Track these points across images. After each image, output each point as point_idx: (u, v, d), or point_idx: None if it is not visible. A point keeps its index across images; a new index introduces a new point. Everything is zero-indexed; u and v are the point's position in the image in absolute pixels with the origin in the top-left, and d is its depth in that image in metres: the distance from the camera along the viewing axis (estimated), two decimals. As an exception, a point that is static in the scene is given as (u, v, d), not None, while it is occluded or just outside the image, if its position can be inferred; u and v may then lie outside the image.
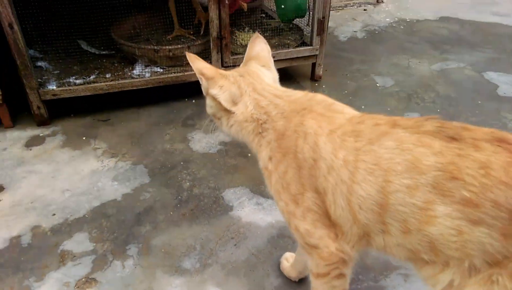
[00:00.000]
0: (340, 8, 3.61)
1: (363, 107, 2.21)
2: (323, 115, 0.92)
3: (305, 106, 0.95)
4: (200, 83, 1.05)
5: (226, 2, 1.96)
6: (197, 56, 1.05)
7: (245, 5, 2.32)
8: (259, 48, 1.11)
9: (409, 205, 0.76)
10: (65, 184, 1.68)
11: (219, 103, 1.01)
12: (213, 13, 2.00)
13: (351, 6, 3.66)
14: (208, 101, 1.05)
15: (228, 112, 1.02)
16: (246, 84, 1.01)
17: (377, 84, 2.45)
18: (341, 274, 0.95)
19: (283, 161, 0.93)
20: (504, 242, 0.70)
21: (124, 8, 2.31)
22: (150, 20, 2.53)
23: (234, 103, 1.01)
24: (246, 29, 2.57)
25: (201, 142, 1.94)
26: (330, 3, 2.20)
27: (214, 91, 1.01)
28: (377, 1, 3.72)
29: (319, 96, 0.99)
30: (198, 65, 1.03)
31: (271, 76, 1.08)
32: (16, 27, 1.70)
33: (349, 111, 0.96)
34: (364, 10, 3.61)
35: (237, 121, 1.01)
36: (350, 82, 2.47)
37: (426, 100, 2.29)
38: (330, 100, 0.99)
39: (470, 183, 0.71)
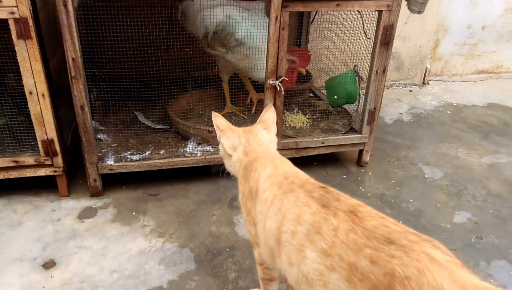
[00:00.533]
0: (386, 88, 3.65)
1: (411, 200, 2.17)
2: (274, 162, 1.27)
3: (271, 155, 1.34)
4: (217, 133, 1.43)
5: (285, 78, 2.03)
6: (219, 115, 1.45)
7: (303, 70, 2.39)
8: (267, 115, 1.47)
9: (291, 244, 1.04)
10: (113, 263, 1.70)
11: (224, 148, 1.40)
12: (268, 101, 2.08)
13: (396, 86, 3.71)
14: (220, 146, 1.45)
15: (229, 155, 1.39)
16: (244, 138, 1.38)
17: (425, 175, 2.41)
18: (268, 268, 1.32)
19: (244, 184, 1.32)
20: (349, 286, 0.91)
21: (182, 85, 2.45)
22: (203, 96, 2.66)
23: (234, 149, 1.38)
24: (296, 110, 2.64)
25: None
26: (382, 95, 2.24)
27: (222, 139, 1.40)
28: (423, 82, 3.76)
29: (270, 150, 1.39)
30: (217, 120, 1.43)
31: (268, 136, 1.43)
32: (86, 108, 1.81)
33: (284, 163, 1.29)
34: (410, 91, 3.64)
35: (233, 161, 1.38)
36: (397, 170, 2.45)
37: (478, 198, 2.22)
38: (274, 154, 1.37)
39: (326, 238, 0.96)
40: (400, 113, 3.21)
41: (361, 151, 2.42)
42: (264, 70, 2.02)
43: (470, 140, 2.84)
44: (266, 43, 1.97)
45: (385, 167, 2.48)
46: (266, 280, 1.40)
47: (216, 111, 2.30)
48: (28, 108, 1.80)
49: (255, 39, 2.17)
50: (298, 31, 2.84)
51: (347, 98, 2.41)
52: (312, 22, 2.39)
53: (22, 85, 1.76)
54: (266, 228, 1.14)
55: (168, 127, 2.41)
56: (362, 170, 2.42)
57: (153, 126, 2.41)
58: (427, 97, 3.54)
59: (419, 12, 2.07)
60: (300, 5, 1.88)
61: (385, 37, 2.04)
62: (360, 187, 2.24)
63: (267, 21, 2.07)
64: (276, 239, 1.10)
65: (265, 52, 2.01)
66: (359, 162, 2.45)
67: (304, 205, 1.05)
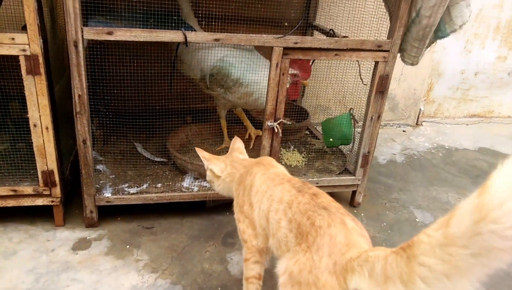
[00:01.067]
0: (380, 127, 3.74)
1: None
2: (264, 166, 1.56)
3: (257, 161, 1.64)
4: (204, 163, 1.74)
5: (284, 121, 2.10)
6: (201, 149, 1.75)
7: (306, 82, 2.41)
8: (238, 144, 1.83)
9: (273, 219, 1.34)
10: (105, 298, 1.71)
11: (213, 173, 1.69)
12: (265, 141, 2.13)
13: (390, 126, 3.80)
14: (208, 172, 1.73)
15: (218, 177, 1.70)
16: (228, 161, 1.71)
17: (416, 219, 2.46)
18: (257, 261, 1.52)
19: (238, 188, 1.58)
20: (296, 240, 1.23)
21: (181, 117, 2.51)
22: (202, 130, 2.72)
23: (222, 172, 1.68)
24: (292, 148, 2.69)
25: (239, 264, 1.97)
26: (376, 139, 2.31)
27: (211, 166, 1.70)
28: (416, 123, 3.85)
29: (267, 158, 1.70)
30: (202, 153, 1.74)
31: (242, 157, 1.78)
32: (88, 143, 1.86)
33: (278, 168, 1.60)
34: (403, 131, 3.73)
35: (223, 180, 1.69)
36: (389, 213, 2.49)
37: None
38: (269, 159, 1.66)
39: (293, 210, 1.28)
40: (393, 154, 3.29)
41: (354, 192, 2.46)
42: (262, 101, 2.07)
43: (460, 184, 2.90)
44: (261, 72, 2.07)
45: (377, 209, 2.52)
46: (252, 279, 1.55)
47: (214, 146, 2.47)
48: (30, 136, 1.84)
49: (250, 76, 2.23)
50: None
51: (342, 140, 2.48)
52: (312, 63, 2.47)
53: (25, 112, 1.81)
54: (260, 210, 1.43)
55: (166, 160, 2.45)
56: (355, 211, 2.46)
57: (152, 159, 2.45)
58: (420, 138, 3.62)
59: (412, 64, 2.17)
60: (300, 53, 1.96)
61: (380, 86, 2.12)
62: (352, 229, 2.27)
63: (257, 54, 2.16)
64: (266, 218, 1.39)
65: (263, 81, 2.09)
66: (352, 203, 2.50)
67: (287, 191, 1.36)
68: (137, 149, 2.54)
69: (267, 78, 2.00)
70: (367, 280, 0.99)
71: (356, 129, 2.47)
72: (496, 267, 0.76)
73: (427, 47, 2.13)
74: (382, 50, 2.05)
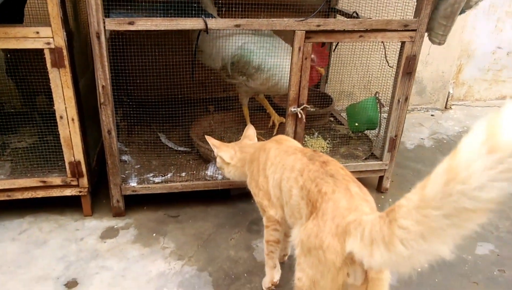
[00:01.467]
0: (407, 112, 3.64)
1: (432, 231, 2.14)
2: (277, 141, 1.63)
3: (270, 140, 1.69)
4: (214, 151, 1.82)
5: (307, 106, 2.07)
6: (211, 137, 1.84)
7: (322, 70, 2.34)
8: (249, 132, 1.90)
9: (286, 188, 1.40)
10: (133, 285, 1.73)
11: (222, 160, 1.77)
12: (289, 127, 2.10)
13: (418, 110, 3.69)
14: (218, 159, 1.81)
15: (227, 164, 1.77)
16: (237, 147, 1.79)
17: (447, 204, 2.38)
18: (276, 229, 1.59)
19: (251, 166, 1.66)
20: (306, 207, 1.28)
21: (204, 106, 2.51)
22: (225, 118, 2.71)
23: (231, 159, 1.75)
24: (316, 134, 2.65)
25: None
26: (404, 123, 2.24)
27: (220, 153, 1.78)
28: (445, 107, 3.73)
29: (280, 135, 1.76)
30: (211, 141, 1.82)
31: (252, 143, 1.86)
32: (113, 133, 1.88)
33: (291, 142, 1.69)
34: (432, 115, 3.61)
35: (233, 166, 1.76)
36: (418, 198, 2.42)
37: (501, 229, 2.18)
38: (284, 137, 1.73)
39: (304, 177, 1.33)
40: (422, 138, 3.19)
41: (381, 178, 2.41)
42: (285, 83, 2.04)
43: (493, 168, 2.79)
44: (282, 56, 2.07)
45: (405, 194, 2.45)
46: (272, 243, 1.64)
47: (236, 134, 2.49)
48: (57, 129, 1.87)
49: (271, 61, 2.20)
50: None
51: (368, 125, 2.42)
52: (334, 49, 2.42)
53: (52, 105, 1.84)
54: (274, 180, 1.49)
55: (190, 150, 2.46)
56: (383, 197, 2.41)
57: (175, 148, 2.47)
58: (450, 122, 3.50)
59: (439, 44, 2.08)
60: (323, 36, 1.91)
61: (407, 67, 2.05)
62: (380, 215, 2.22)
63: (277, 38, 2.12)
64: (278, 187, 1.45)
65: (285, 65, 2.08)
66: (379, 189, 2.44)
67: (299, 160, 1.40)
68: (161, 139, 2.56)
69: (289, 63, 1.96)
70: (358, 242, 1.04)
71: (382, 114, 2.40)
72: (470, 229, 0.81)
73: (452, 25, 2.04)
74: (408, 30, 1.97)
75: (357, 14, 2.37)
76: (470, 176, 0.75)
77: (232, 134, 2.63)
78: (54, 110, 1.82)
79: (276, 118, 2.64)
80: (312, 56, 2.24)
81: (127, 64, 2.13)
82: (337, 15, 2.80)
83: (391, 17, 2.18)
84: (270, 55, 2.18)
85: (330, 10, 2.83)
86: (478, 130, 0.76)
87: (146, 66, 2.11)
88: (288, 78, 2.00)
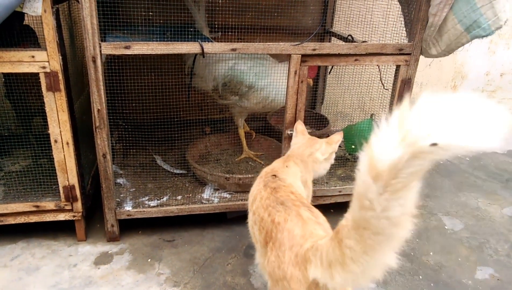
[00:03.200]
0: (403, 132, 3.65)
1: (431, 253, 2.12)
2: (284, 161, 1.67)
3: (286, 157, 1.72)
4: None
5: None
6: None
7: (311, 81, 2.26)
8: (300, 127, 1.84)
9: (251, 211, 1.45)
10: (127, 314, 1.69)
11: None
12: (286, 150, 2.09)
13: (413, 130, 3.69)
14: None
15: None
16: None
17: (445, 227, 2.36)
18: None
19: None
20: (259, 234, 1.33)
21: (200, 127, 2.50)
22: (221, 140, 2.70)
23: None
24: (312, 156, 2.64)
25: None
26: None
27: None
28: (441, 128, 3.74)
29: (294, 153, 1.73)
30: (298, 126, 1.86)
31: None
32: (108, 157, 1.86)
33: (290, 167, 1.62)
34: (427, 136, 3.62)
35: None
36: (417, 220, 2.40)
37: (500, 252, 2.16)
38: (294, 159, 1.68)
39: (257, 204, 1.37)
40: (418, 159, 3.18)
41: (378, 200, 2.39)
42: (283, 95, 2.05)
43: (490, 189, 2.79)
44: (274, 73, 2.09)
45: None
46: None
47: (233, 156, 2.44)
48: (51, 152, 1.85)
49: (263, 79, 2.21)
50: (315, 79, 2.90)
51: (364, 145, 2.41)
52: (330, 72, 2.43)
53: (47, 128, 1.82)
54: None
55: (186, 172, 2.44)
56: (380, 220, 2.39)
57: (171, 171, 2.44)
58: (445, 142, 3.50)
59: (437, 56, 2.03)
60: (319, 60, 1.92)
61: (403, 90, 2.06)
62: (378, 239, 2.20)
63: (267, 56, 2.13)
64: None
65: (277, 82, 2.10)
66: (377, 211, 2.42)
67: (257, 184, 1.48)
68: (157, 162, 2.54)
69: (281, 79, 1.97)
70: (319, 268, 1.05)
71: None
72: (402, 236, 0.87)
73: (459, 47, 2.00)
74: (403, 54, 1.99)
75: (352, 37, 2.40)
76: (371, 203, 0.81)
77: (228, 157, 2.62)
78: (49, 134, 1.80)
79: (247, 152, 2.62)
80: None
81: (123, 86, 2.13)
82: (332, 37, 2.83)
83: (385, 41, 2.20)
84: (262, 74, 2.18)
85: (325, 33, 2.86)
86: (362, 159, 0.82)
87: (142, 89, 2.11)
88: (282, 92, 2.00)
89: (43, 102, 1.75)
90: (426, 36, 1.94)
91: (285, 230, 1.21)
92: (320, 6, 2.82)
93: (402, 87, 2.06)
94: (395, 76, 2.07)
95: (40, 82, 1.72)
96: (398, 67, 2.03)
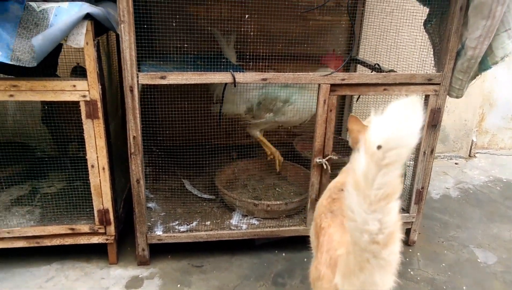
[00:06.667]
0: (430, 160, 3.61)
1: (464, 288, 2.06)
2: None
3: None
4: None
5: (332, 156, 2.10)
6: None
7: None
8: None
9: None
10: (157, 339, 1.70)
11: None
12: (314, 178, 2.11)
13: (441, 158, 3.65)
14: None
15: None
16: None
17: (478, 260, 2.30)
18: None
19: None
20: (317, 241, 1.39)
21: (228, 153, 2.54)
22: (248, 166, 2.73)
23: None
24: (339, 183, 2.64)
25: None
26: (430, 175, 2.22)
27: None
28: (469, 155, 3.68)
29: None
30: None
31: None
32: (142, 182, 1.91)
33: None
34: (456, 164, 3.57)
35: None
36: (447, 252, 2.35)
37: (537, 287, 2.08)
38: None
39: (316, 212, 1.50)
40: (447, 188, 3.13)
41: (408, 230, 2.36)
42: (312, 107, 2.10)
43: (524, 220, 2.71)
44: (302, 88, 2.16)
45: (434, 248, 2.39)
46: None
47: (260, 182, 2.41)
48: (85, 175, 1.91)
49: (296, 92, 2.30)
50: (341, 107, 2.93)
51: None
52: (357, 100, 2.45)
53: (81, 152, 1.89)
54: None
55: (214, 197, 2.47)
56: (410, 250, 2.34)
57: (200, 196, 2.48)
58: (474, 171, 3.45)
59: (456, 97, 2.08)
60: (348, 89, 1.95)
61: (432, 120, 2.06)
62: (409, 270, 2.16)
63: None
64: None
65: (304, 94, 2.19)
66: (407, 241, 2.38)
67: (324, 196, 1.54)
68: (186, 186, 2.58)
69: (314, 87, 2.04)
70: (339, 274, 1.14)
71: (406, 165, 2.39)
72: (386, 263, 0.98)
73: (471, 80, 2.05)
74: (432, 84, 2.00)
75: (379, 66, 2.42)
76: (353, 213, 0.94)
77: (255, 182, 2.65)
78: (84, 157, 1.88)
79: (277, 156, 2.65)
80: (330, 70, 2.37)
81: (156, 114, 2.20)
82: (358, 65, 2.86)
83: (410, 69, 2.22)
84: (292, 87, 2.27)
85: (351, 60, 2.90)
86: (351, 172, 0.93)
87: (172, 115, 2.18)
88: (315, 100, 2.04)
89: (79, 129, 1.83)
90: (466, 68, 1.95)
91: (327, 234, 1.30)
92: (347, 35, 2.87)
93: (432, 116, 2.06)
94: (424, 105, 2.08)
95: (76, 109, 1.80)
96: (427, 96, 2.04)
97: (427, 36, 2.13)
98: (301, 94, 2.26)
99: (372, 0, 2.60)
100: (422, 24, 2.14)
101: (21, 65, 1.54)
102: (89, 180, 1.93)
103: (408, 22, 2.20)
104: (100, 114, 1.80)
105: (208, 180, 2.61)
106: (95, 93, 1.78)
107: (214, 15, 2.59)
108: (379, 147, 0.84)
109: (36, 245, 2.00)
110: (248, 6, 2.07)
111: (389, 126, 0.84)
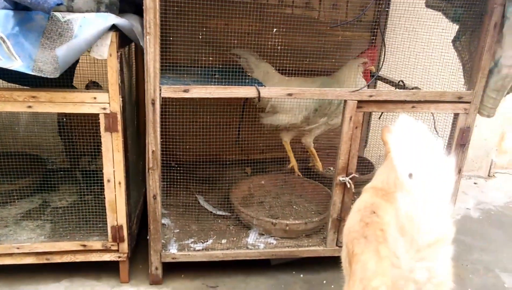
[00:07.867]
0: (448, 179, 3.51)
1: (493, 316, 1.96)
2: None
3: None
4: None
5: (355, 175, 2.03)
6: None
7: (373, 68, 2.51)
8: None
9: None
10: None
11: None
12: (336, 197, 2.02)
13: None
14: None
15: None
16: None
17: (505, 285, 2.20)
18: None
19: None
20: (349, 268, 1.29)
21: (241, 169, 2.47)
22: (264, 182, 2.66)
23: None
24: (359, 202, 2.55)
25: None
26: (457, 195, 2.13)
27: None
28: (488, 175, 3.59)
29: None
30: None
31: None
32: (158, 198, 1.84)
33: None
34: (475, 183, 3.47)
35: None
36: (472, 276, 2.25)
37: None
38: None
39: (348, 237, 1.34)
40: (467, 208, 3.04)
41: (431, 253, 2.26)
42: None
43: (550, 244, 2.60)
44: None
45: (458, 271, 2.28)
46: None
47: (276, 199, 2.28)
48: (97, 189, 1.84)
49: None
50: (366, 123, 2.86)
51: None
52: (380, 117, 2.39)
53: (92, 164, 1.82)
54: None
55: (229, 214, 2.39)
56: (433, 274, 2.24)
57: (214, 212, 2.40)
58: (495, 191, 3.35)
59: (488, 116, 2.02)
60: (375, 106, 1.88)
61: (461, 139, 1.98)
62: (434, 296, 2.06)
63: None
64: None
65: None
66: (429, 264, 2.28)
67: (353, 218, 1.40)
68: (199, 202, 2.50)
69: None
70: None
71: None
72: None
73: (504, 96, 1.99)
74: (463, 102, 1.93)
75: (403, 83, 2.35)
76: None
77: (272, 199, 2.56)
78: (95, 170, 1.81)
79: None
80: (366, 59, 2.48)
81: (172, 128, 2.14)
82: (378, 81, 2.79)
83: (436, 86, 2.15)
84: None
85: (371, 76, 2.83)
86: None
87: (194, 129, 2.12)
88: None
89: (94, 142, 1.77)
90: (500, 86, 1.88)
91: (360, 261, 1.22)
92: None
93: (461, 135, 1.98)
94: (453, 124, 2.00)
95: (91, 122, 1.74)
96: (456, 115, 1.97)
97: (455, 54, 2.06)
98: None
99: (394, 17, 2.55)
100: (450, 41, 2.08)
101: (43, 76, 1.48)
102: (101, 194, 1.86)
103: (434, 39, 2.14)
104: (120, 127, 1.74)
105: (221, 196, 2.53)
106: (116, 106, 1.71)
107: (233, 29, 2.54)
108: (410, 175, 0.80)
109: (46, 261, 1.91)
110: (268, 22, 2.04)
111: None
